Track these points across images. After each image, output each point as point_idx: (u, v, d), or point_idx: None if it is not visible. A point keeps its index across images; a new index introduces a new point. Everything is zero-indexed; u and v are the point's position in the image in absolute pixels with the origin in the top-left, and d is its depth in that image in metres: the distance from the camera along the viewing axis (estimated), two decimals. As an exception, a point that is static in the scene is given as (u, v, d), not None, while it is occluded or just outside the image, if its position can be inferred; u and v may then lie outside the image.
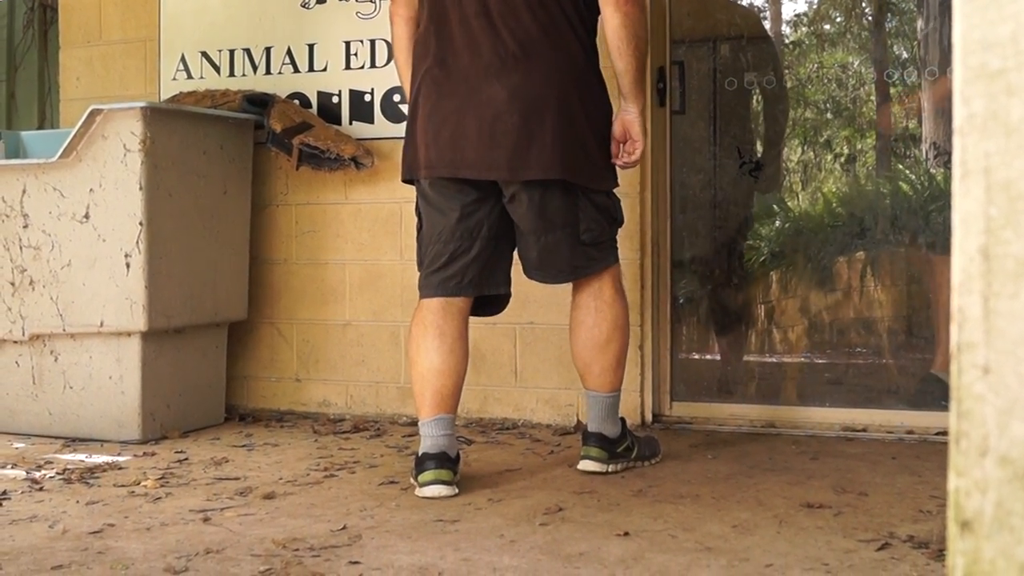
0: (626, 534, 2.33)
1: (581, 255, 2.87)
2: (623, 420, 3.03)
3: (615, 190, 2.95)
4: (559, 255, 2.86)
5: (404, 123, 3.84)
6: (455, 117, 2.76)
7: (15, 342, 3.65)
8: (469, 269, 2.83)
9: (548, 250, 2.85)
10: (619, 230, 2.99)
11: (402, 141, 3.85)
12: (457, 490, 2.73)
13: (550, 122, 2.73)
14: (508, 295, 2.99)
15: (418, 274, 2.92)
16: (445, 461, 2.75)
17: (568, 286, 3.62)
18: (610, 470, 2.93)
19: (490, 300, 2.97)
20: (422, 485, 2.72)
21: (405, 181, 2.96)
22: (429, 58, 2.82)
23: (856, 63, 5.02)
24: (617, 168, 2.91)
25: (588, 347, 2.92)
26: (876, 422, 3.54)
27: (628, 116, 2.84)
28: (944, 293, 3.98)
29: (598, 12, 2.81)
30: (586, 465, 2.94)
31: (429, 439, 2.78)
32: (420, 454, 2.78)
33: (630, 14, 2.76)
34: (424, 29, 2.86)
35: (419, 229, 2.93)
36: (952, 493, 0.88)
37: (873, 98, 4.96)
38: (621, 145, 2.86)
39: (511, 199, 2.80)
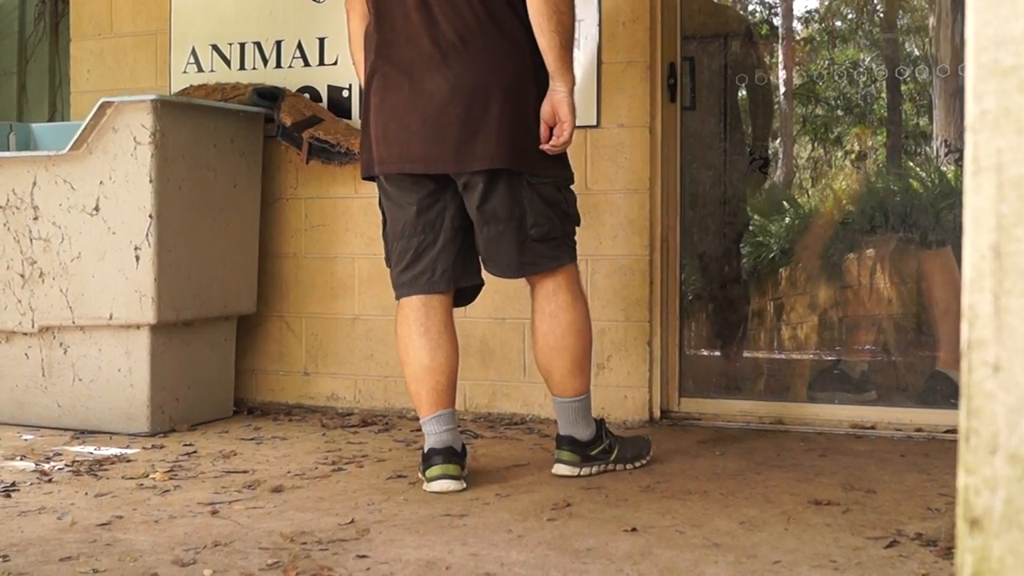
0: (634, 530, 2.33)
1: (529, 251, 2.78)
2: (600, 421, 2.96)
3: (571, 186, 2.87)
4: (504, 248, 2.78)
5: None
6: (400, 111, 2.72)
7: (25, 334, 3.66)
8: (438, 263, 2.80)
9: (492, 242, 2.78)
10: (576, 228, 2.88)
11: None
12: (465, 484, 2.73)
13: (494, 111, 2.67)
14: (481, 284, 2.95)
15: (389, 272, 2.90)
16: (452, 456, 2.75)
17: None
18: (582, 473, 2.87)
19: (462, 290, 2.93)
20: (430, 480, 2.72)
21: (364, 179, 2.93)
22: (375, 53, 2.80)
23: (867, 60, 5.01)
24: (565, 160, 2.82)
25: (544, 353, 2.85)
26: (885, 419, 3.54)
27: (556, 96, 2.71)
28: (944, 289, 3.97)
29: None
30: (558, 469, 2.88)
31: (433, 435, 2.78)
32: (426, 450, 2.78)
33: None
34: (370, 23, 2.83)
35: (383, 227, 2.91)
36: (961, 490, 0.88)
37: (884, 95, 4.95)
38: (551, 129, 2.74)
39: (463, 189, 2.76)
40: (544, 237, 2.78)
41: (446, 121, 2.68)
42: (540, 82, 2.75)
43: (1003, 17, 0.88)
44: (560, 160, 2.82)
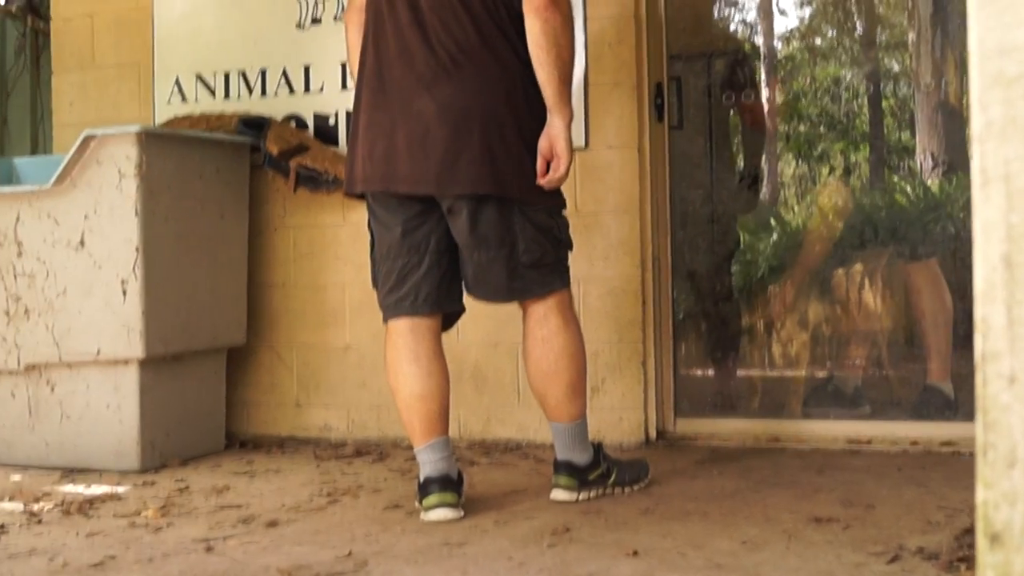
0: (635, 553, 2.30)
1: (520, 277, 2.74)
2: (598, 445, 2.93)
3: (564, 211, 2.83)
4: (493, 274, 2.75)
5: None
6: (388, 130, 2.70)
7: (10, 373, 3.61)
8: (422, 286, 2.77)
9: (482, 268, 2.75)
10: (569, 253, 2.86)
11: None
12: (462, 512, 2.70)
13: (479, 134, 2.64)
14: (462, 310, 2.92)
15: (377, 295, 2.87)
16: (448, 484, 2.72)
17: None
18: (581, 498, 2.83)
19: (444, 316, 2.89)
20: (427, 509, 2.69)
21: (347, 195, 2.91)
22: (367, 69, 2.78)
23: (848, 76, 5.03)
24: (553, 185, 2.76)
25: (538, 379, 2.81)
26: (880, 434, 3.53)
27: (552, 130, 2.68)
28: (931, 300, 3.97)
29: None
30: (556, 495, 2.85)
31: (428, 464, 2.75)
32: (422, 479, 2.74)
33: (550, 20, 2.63)
34: (365, 39, 2.81)
35: (372, 247, 2.89)
36: (980, 506, 0.86)
37: (866, 111, 4.97)
38: (549, 164, 2.71)
39: (448, 212, 2.73)
40: (536, 263, 2.76)
41: (431, 142, 2.66)
42: (533, 110, 2.72)
43: (1006, 25, 0.87)
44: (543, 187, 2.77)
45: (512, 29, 2.70)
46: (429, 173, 2.67)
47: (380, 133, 2.72)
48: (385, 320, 2.84)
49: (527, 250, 2.73)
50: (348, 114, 3.92)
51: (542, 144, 2.70)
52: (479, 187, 2.66)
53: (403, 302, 2.79)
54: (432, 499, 2.69)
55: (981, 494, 0.87)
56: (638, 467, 3.01)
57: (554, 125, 2.70)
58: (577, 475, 2.84)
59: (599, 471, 2.88)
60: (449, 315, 2.91)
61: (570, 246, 2.87)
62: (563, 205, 2.85)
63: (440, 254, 2.79)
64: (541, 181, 2.71)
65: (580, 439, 2.86)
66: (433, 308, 2.80)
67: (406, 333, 2.79)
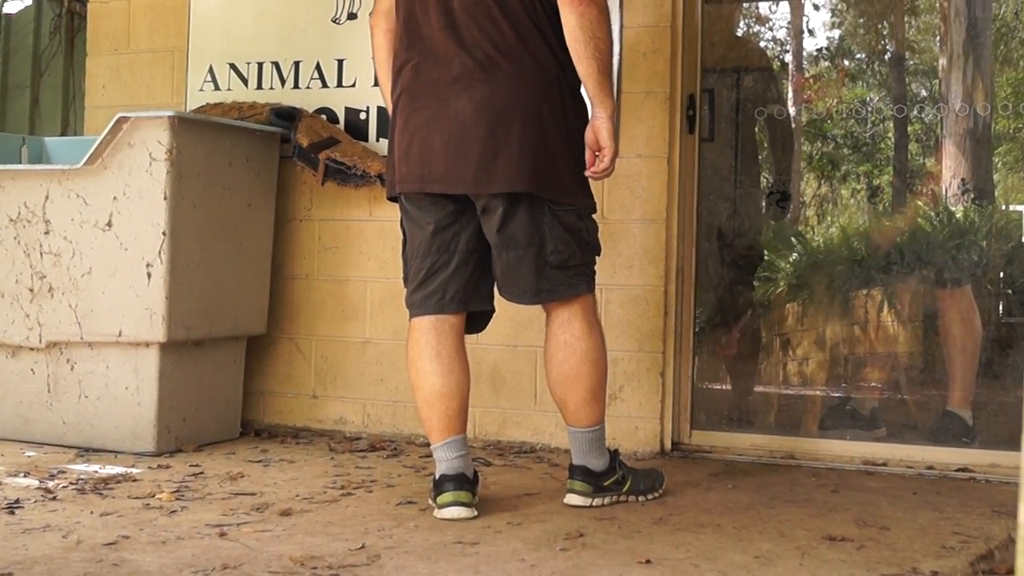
0: (648, 562, 2.30)
1: (547, 278, 2.75)
2: (614, 452, 2.92)
3: (594, 215, 2.86)
4: (522, 274, 2.76)
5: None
6: (424, 131, 2.71)
7: (32, 349, 3.63)
8: (450, 284, 2.78)
9: (510, 267, 2.76)
10: (596, 258, 2.87)
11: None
12: (476, 512, 2.70)
13: (516, 134, 2.66)
14: (492, 311, 2.92)
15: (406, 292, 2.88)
16: (463, 482, 2.72)
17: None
18: (595, 504, 2.83)
19: (473, 317, 2.90)
20: (441, 507, 2.69)
21: (389, 199, 2.92)
22: (403, 71, 2.79)
23: (876, 99, 5.01)
24: (587, 188, 2.81)
25: (558, 383, 2.82)
26: (896, 456, 3.51)
27: (596, 122, 2.71)
28: (960, 327, 3.96)
29: None
30: (570, 499, 2.84)
31: (444, 462, 2.75)
32: (437, 476, 2.75)
33: (586, 14, 2.64)
34: (399, 41, 2.82)
35: (404, 246, 2.90)
36: (1022, 525, 0.86)
37: (892, 134, 4.95)
38: (596, 154, 2.75)
39: (483, 211, 2.75)
40: (563, 264, 2.76)
41: (468, 142, 2.67)
42: (572, 108, 2.75)
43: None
44: (583, 188, 2.80)
45: (548, 27, 2.71)
46: (467, 173, 2.68)
47: (415, 135, 2.73)
48: (411, 317, 2.85)
49: (555, 250, 2.74)
50: (379, 109, 3.93)
51: (588, 136, 2.74)
52: (516, 185, 2.67)
53: (429, 300, 2.80)
54: (446, 497, 2.69)
55: (1022, 515, 0.86)
56: (653, 476, 3.00)
57: (598, 117, 2.72)
58: (592, 480, 2.84)
59: (614, 478, 2.88)
60: (479, 316, 2.91)
61: (598, 251, 2.87)
62: (593, 208, 2.86)
63: (470, 253, 2.79)
64: (588, 172, 2.75)
65: (597, 445, 2.85)
66: (459, 307, 2.81)
67: (430, 330, 2.79)
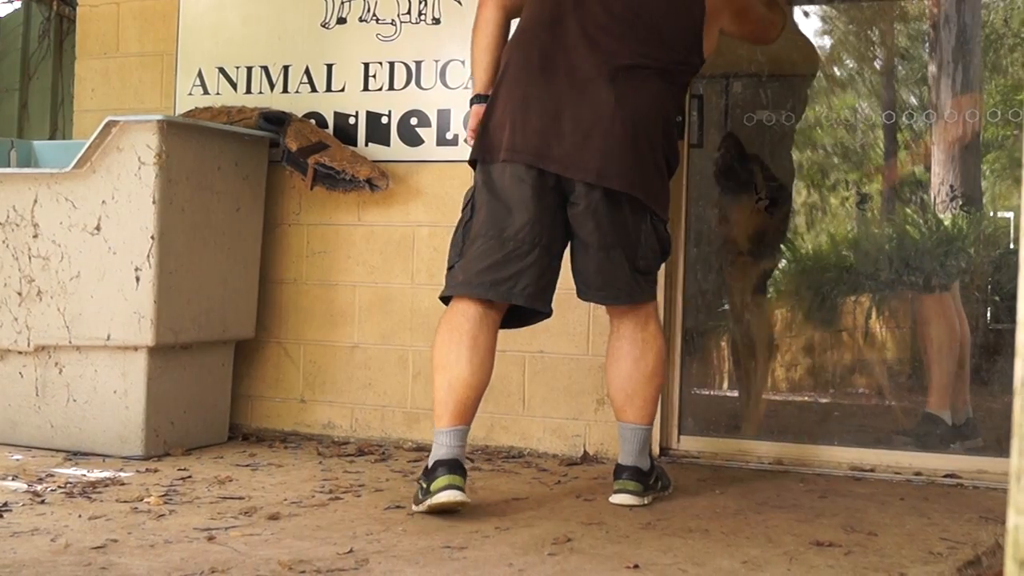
0: (636, 567, 2.30)
1: (635, 280, 2.87)
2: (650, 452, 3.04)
3: None
4: (620, 275, 2.84)
5: (420, 147, 3.87)
6: (552, 111, 2.76)
7: (20, 352, 3.62)
8: (522, 276, 2.76)
9: (607, 266, 2.83)
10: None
11: (417, 165, 3.87)
12: (469, 499, 2.71)
13: (645, 140, 2.79)
14: (548, 314, 2.92)
15: (436, 288, 2.89)
16: (457, 468, 2.72)
17: (578, 317, 3.61)
18: (645, 502, 2.92)
19: (521, 313, 2.90)
20: (435, 492, 2.67)
21: (471, 163, 2.91)
22: (537, 48, 2.82)
23: (866, 107, 5.02)
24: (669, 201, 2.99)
25: (635, 378, 2.91)
26: (884, 462, 3.52)
27: None
28: (931, 330, 3.97)
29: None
30: (622, 499, 2.90)
31: (444, 447, 2.74)
32: (431, 463, 2.73)
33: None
34: (536, 24, 2.86)
35: (466, 220, 2.84)
36: (1011, 531, 0.86)
37: (882, 142, 4.96)
38: None
39: (582, 207, 2.78)
40: (648, 270, 2.91)
41: (600, 133, 2.74)
42: (669, 128, 2.93)
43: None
44: (667, 201, 2.94)
45: (687, 47, 2.95)
46: (591, 162, 2.74)
47: (540, 111, 2.77)
48: (460, 293, 2.79)
49: (643, 256, 2.86)
50: (368, 114, 3.93)
51: None
52: (638, 190, 2.79)
53: (498, 285, 2.76)
54: (442, 480, 2.67)
55: (1013, 519, 0.87)
56: (667, 475, 3.12)
57: None
58: (643, 480, 2.94)
59: (655, 476, 3.00)
60: (528, 315, 2.92)
61: (667, 258, 3.01)
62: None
63: (547, 249, 2.80)
64: None
65: (647, 444, 2.98)
66: (527, 300, 2.80)
67: (474, 317, 2.78)
